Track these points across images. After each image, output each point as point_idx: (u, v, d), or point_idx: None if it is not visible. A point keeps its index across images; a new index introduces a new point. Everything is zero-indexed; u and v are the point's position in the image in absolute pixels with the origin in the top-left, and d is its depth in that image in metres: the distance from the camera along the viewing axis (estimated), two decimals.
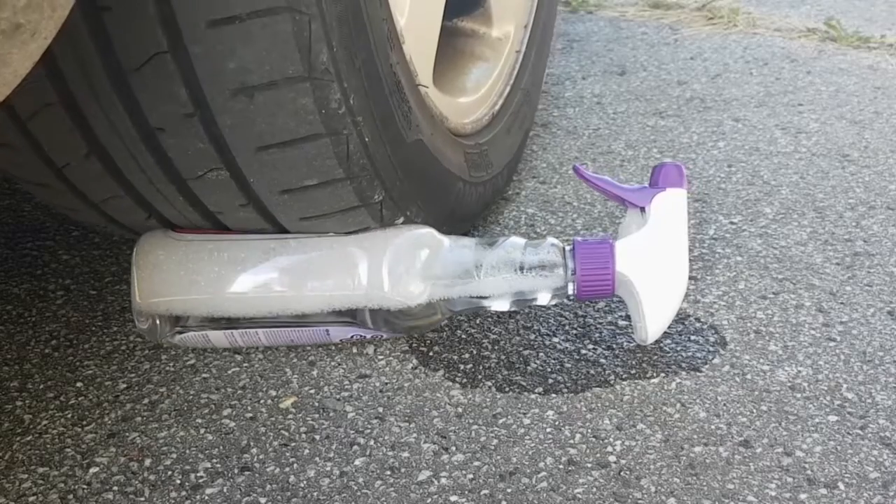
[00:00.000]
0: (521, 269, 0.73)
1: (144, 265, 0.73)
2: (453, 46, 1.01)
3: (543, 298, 0.74)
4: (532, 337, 0.80)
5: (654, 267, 0.73)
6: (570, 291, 0.74)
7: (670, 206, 0.74)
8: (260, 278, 0.72)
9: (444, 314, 0.74)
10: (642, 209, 0.75)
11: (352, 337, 0.76)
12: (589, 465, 0.66)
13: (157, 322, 0.74)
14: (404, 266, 0.72)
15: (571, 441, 0.68)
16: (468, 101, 0.95)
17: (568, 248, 0.74)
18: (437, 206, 0.80)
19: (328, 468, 0.66)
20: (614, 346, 0.79)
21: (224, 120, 0.61)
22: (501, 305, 0.75)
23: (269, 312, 0.72)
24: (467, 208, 0.90)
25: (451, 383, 0.75)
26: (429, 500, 0.63)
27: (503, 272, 0.73)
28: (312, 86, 0.60)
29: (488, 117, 0.98)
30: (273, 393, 0.74)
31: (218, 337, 0.75)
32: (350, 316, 0.73)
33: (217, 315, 0.73)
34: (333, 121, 0.63)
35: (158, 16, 0.56)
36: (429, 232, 0.75)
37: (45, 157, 0.66)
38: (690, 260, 0.86)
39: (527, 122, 1.09)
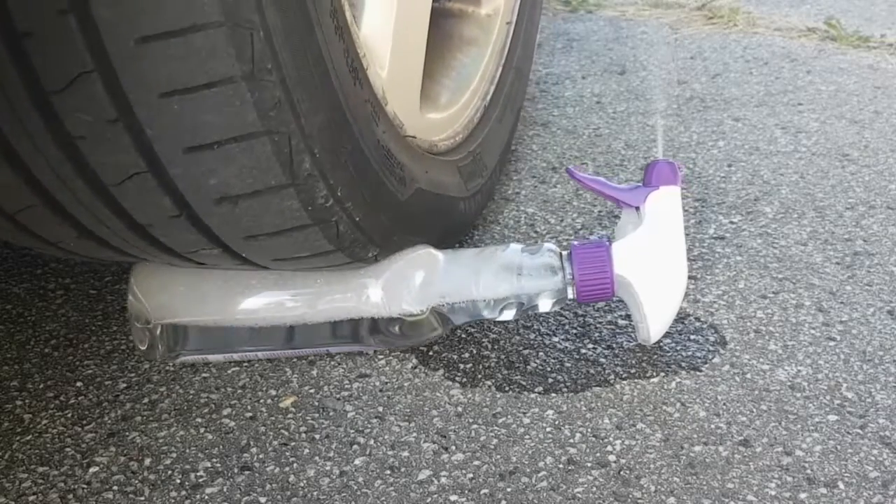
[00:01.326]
0: (520, 277, 0.73)
1: (146, 287, 0.73)
2: (441, 29, 0.97)
3: (544, 305, 0.74)
4: (532, 336, 0.80)
5: (652, 267, 0.73)
6: (570, 296, 0.74)
7: (665, 204, 0.74)
8: (267, 300, 0.73)
9: (446, 328, 0.74)
10: (637, 209, 0.75)
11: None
12: (589, 465, 0.66)
13: (158, 343, 0.74)
14: (403, 286, 0.72)
15: (571, 440, 0.68)
16: (456, 109, 0.92)
17: (565, 253, 0.74)
18: (434, 235, 0.80)
19: (328, 467, 0.66)
20: (614, 345, 0.79)
21: (211, 220, 0.61)
22: (502, 315, 0.74)
23: (279, 322, 0.73)
24: (465, 220, 0.90)
25: (450, 383, 0.75)
26: (429, 500, 0.63)
27: (501, 282, 0.73)
28: (297, 190, 0.60)
29: (480, 112, 0.95)
30: (273, 392, 0.74)
31: (216, 357, 0.76)
32: (352, 336, 0.73)
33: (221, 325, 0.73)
34: (321, 213, 0.62)
35: (134, 145, 0.55)
36: (426, 251, 0.75)
37: (39, 237, 0.66)
38: (690, 259, 0.86)
39: (518, 100, 1.06)
